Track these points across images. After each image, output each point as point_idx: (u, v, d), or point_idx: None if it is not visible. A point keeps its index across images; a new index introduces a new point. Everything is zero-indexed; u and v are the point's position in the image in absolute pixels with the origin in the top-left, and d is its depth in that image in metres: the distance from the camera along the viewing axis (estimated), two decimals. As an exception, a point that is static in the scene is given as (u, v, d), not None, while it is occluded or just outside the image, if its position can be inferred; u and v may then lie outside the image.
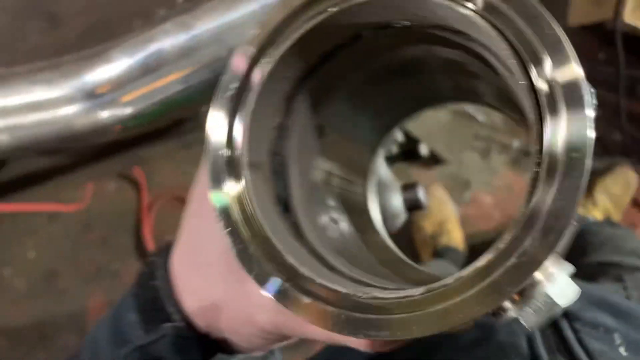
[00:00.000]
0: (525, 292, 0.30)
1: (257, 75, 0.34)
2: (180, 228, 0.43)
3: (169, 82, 0.86)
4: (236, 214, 0.33)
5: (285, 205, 0.38)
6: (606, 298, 0.62)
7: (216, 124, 0.35)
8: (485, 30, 0.30)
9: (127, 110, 0.87)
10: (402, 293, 0.28)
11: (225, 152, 0.35)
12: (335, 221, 0.45)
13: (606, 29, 1.65)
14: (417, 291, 0.28)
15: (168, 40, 0.83)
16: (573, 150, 0.26)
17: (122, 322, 0.44)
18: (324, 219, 0.44)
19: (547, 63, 0.28)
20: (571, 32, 1.85)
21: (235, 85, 0.35)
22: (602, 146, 1.81)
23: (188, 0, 0.82)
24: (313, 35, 0.35)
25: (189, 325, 0.42)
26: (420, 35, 0.38)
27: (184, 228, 0.42)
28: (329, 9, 0.34)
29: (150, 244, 1.81)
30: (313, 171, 0.44)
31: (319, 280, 0.30)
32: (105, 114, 0.86)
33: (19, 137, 0.87)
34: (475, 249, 1.70)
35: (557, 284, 0.30)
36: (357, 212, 0.49)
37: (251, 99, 0.34)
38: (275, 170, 0.38)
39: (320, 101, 0.42)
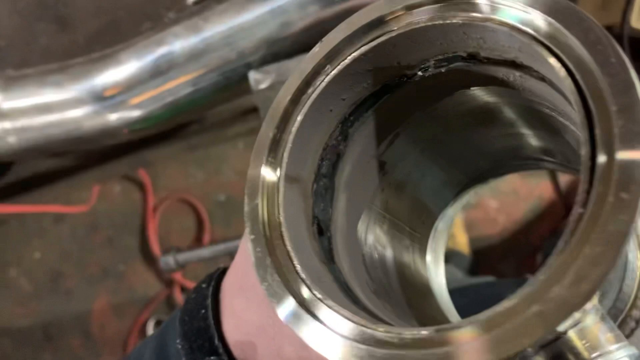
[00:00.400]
0: None
1: (311, 91, 0.34)
2: (237, 252, 0.44)
3: (178, 85, 0.86)
4: (263, 223, 0.33)
5: (320, 227, 0.37)
6: None
7: (266, 131, 0.35)
8: (545, 59, 0.28)
9: (136, 113, 0.87)
10: (415, 330, 0.26)
11: (267, 159, 0.34)
12: (379, 255, 0.43)
13: (613, 34, 1.64)
14: (428, 329, 0.26)
15: (178, 43, 0.83)
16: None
17: (168, 348, 0.44)
18: (367, 251, 0.42)
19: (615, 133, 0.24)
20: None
21: (289, 97, 0.35)
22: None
23: (198, 2, 0.82)
24: (372, 57, 0.34)
25: (231, 358, 0.42)
26: (486, 74, 0.36)
27: (239, 252, 0.43)
28: (390, 31, 0.33)
29: (155, 246, 1.81)
30: (367, 205, 0.43)
31: (329, 302, 0.29)
32: (113, 117, 0.87)
33: (28, 139, 0.88)
34: (480, 253, 1.70)
35: None
36: (406, 263, 0.47)
37: (301, 112, 0.34)
38: (318, 192, 0.37)
39: (381, 135, 0.41)
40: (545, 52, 0.27)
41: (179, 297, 1.78)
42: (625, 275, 0.38)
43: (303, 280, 0.31)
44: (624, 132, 0.23)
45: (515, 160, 0.48)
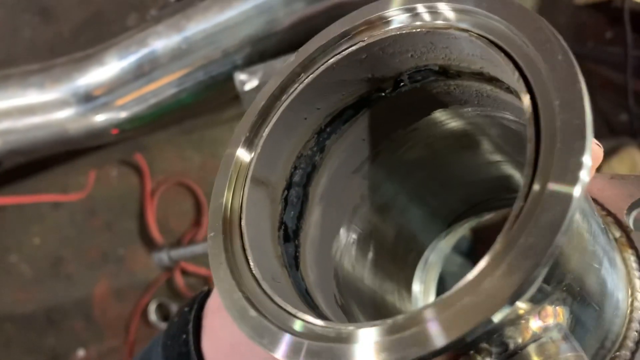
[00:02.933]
0: None
1: (284, 97, 0.35)
2: None
3: (163, 85, 0.84)
4: (224, 220, 0.33)
5: (287, 234, 0.37)
6: None
7: (238, 134, 0.36)
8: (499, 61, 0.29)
9: (122, 114, 0.86)
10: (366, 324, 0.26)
11: (238, 158, 0.35)
12: (354, 274, 0.42)
13: (614, 7, 1.60)
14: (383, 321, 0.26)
15: (160, 42, 0.81)
16: None
17: None
18: (340, 268, 0.42)
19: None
20: (577, 10, 1.80)
21: (263, 103, 0.36)
22: (608, 127, 1.79)
23: (180, -1, 0.80)
24: (344, 68, 0.35)
25: None
26: (460, 91, 0.37)
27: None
28: (361, 41, 0.34)
29: (154, 230, 1.81)
30: (346, 223, 0.42)
31: (275, 298, 0.29)
32: (100, 118, 0.85)
33: (12, 141, 0.87)
34: (478, 234, 1.69)
35: None
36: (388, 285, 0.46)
37: (274, 117, 0.35)
38: (289, 199, 0.38)
39: (361, 152, 0.41)
40: (500, 55, 0.29)
41: (180, 281, 1.79)
42: (614, 314, 0.37)
43: (254, 277, 0.31)
44: (565, 126, 0.24)
45: (509, 193, 0.46)
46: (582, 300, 0.32)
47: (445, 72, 0.35)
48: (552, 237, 0.22)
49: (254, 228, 0.33)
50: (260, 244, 0.33)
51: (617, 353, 0.37)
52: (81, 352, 1.79)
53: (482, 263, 0.24)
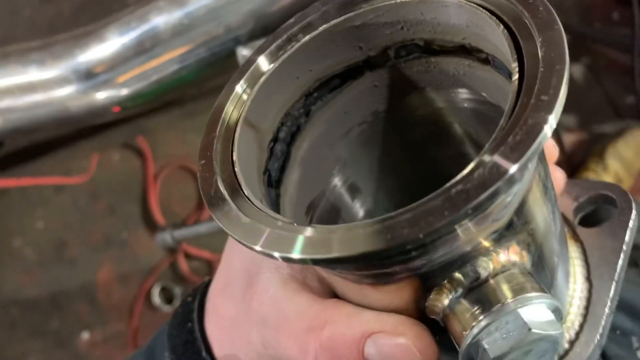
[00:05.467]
0: (493, 310, 0.30)
1: (281, 53, 0.38)
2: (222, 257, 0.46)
3: (165, 62, 0.83)
4: (215, 151, 0.35)
5: (270, 180, 0.39)
6: (623, 297, 0.60)
7: (234, 80, 0.38)
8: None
9: (124, 91, 0.85)
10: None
11: (233, 101, 0.37)
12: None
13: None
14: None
15: (162, 18, 0.80)
16: None
17: None
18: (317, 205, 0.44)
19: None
20: (586, -9, 1.78)
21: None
22: (614, 109, 1.77)
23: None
24: (338, 33, 0.38)
25: None
26: (439, 70, 0.40)
27: (221, 260, 0.45)
28: (358, 9, 0.37)
29: (157, 213, 1.81)
30: (320, 192, 0.44)
31: (260, 205, 0.32)
32: (101, 95, 0.84)
33: (12, 119, 0.86)
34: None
35: (533, 309, 0.30)
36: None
37: (270, 69, 0.38)
38: (274, 152, 0.39)
39: (340, 125, 0.43)
40: (486, 14, 0.32)
41: (183, 264, 1.80)
42: (561, 295, 0.40)
43: (242, 190, 0.33)
44: (546, 56, 0.28)
45: None
46: (540, 260, 0.34)
47: (428, 48, 0.38)
48: (535, 136, 0.25)
49: (243, 162, 0.35)
50: (248, 174, 0.35)
51: None
52: (85, 335, 1.79)
53: (477, 159, 0.26)
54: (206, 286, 0.47)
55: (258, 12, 0.78)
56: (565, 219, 0.46)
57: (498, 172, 0.25)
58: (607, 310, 0.40)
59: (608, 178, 1.66)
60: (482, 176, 0.25)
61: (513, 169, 0.25)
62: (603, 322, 0.40)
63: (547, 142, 0.26)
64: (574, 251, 0.43)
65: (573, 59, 1.88)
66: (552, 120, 0.26)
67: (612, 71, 1.75)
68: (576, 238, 0.44)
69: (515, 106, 0.27)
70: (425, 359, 0.32)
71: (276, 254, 0.28)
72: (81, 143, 1.83)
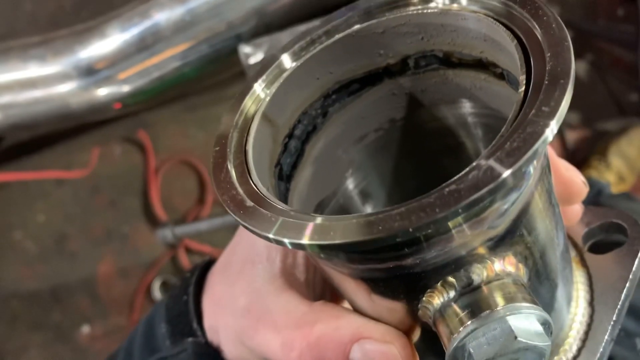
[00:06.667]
0: (481, 315, 0.30)
1: (304, 53, 0.39)
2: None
3: (166, 58, 0.82)
4: (230, 140, 0.36)
5: (281, 174, 0.39)
6: None
7: (254, 77, 0.39)
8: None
9: (125, 88, 0.84)
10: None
11: (258, 88, 0.39)
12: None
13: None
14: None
15: (163, 14, 0.79)
16: None
17: (154, 331, 0.49)
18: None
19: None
20: (590, -13, 1.77)
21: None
22: (618, 107, 1.76)
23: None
24: (361, 39, 0.39)
25: (210, 342, 0.45)
26: (455, 84, 0.40)
27: (231, 242, 0.47)
28: (382, 17, 0.38)
29: (158, 207, 1.81)
30: (331, 193, 0.44)
31: (265, 192, 0.33)
32: (102, 92, 0.84)
33: (13, 115, 0.85)
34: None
35: (522, 319, 0.30)
36: None
37: (292, 67, 0.39)
38: (288, 147, 0.40)
39: (356, 130, 0.44)
40: (501, 28, 0.33)
41: (184, 258, 1.79)
42: (559, 315, 0.40)
43: (251, 177, 0.34)
44: (553, 70, 0.29)
45: None
46: (538, 276, 0.35)
47: (447, 60, 0.39)
48: (532, 144, 0.26)
49: (257, 153, 0.36)
50: (259, 169, 0.36)
51: (555, 359, 0.40)
52: (86, 329, 1.80)
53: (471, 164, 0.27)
54: (206, 264, 0.50)
55: (260, 9, 0.77)
56: (574, 244, 0.46)
57: (491, 175, 0.26)
58: (607, 337, 0.40)
59: (610, 176, 1.66)
60: (475, 178, 0.26)
61: (506, 173, 0.25)
62: (601, 349, 0.40)
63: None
64: (579, 276, 0.44)
65: (577, 55, 1.87)
66: (550, 131, 0.27)
67: (616, 68, 1.74)
68: (583, 263, 0.44)
69: (518, 116, 0.28)
70: None
71: (262, 233, 0.29)
72: (82, 137, 1.83)
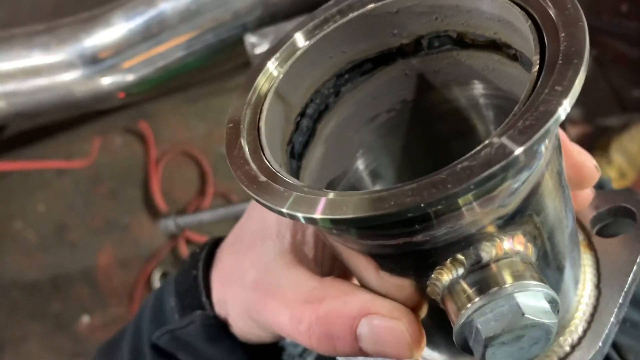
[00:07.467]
0: (490, 292, 0.30)
1: (318, 32, 0.39)
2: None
3: (171, 47, 0.82)
4: (243, 117, 0.36)
5: (293, 152, 0.40)
6: (635, 292, 0.61)
7: (268, 54, 0.39)
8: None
9: (130, 77, 0.84)
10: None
11: (272, 65, 0.39)
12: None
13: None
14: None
15: (169, 2, 0.79)
16: None
17: (164, 305, 0.50)
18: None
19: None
20: (595, -18, 1.76)
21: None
22: (620, 103, 1.76)
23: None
24: (375, 18, 0.39)
25: (218, 315, 0.46)
26: (469, 66, 0.40)
27: (241, 218, 0.47)
28: None
29: (159, 198, 1.81)
30: (341, 174, 0.44)
31: (277, 168, 0.33)
32: (106, 81, 0.83)
33: (17, 103, 0.85)
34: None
35: (529, 296, 0.31)
36: None
37: (305, 46, 0.39)
38: (300, 126, 0.40)
39: (367, 110, 0.43)
40: (516, 8, 0.33)
41: (184, 250, 1.80)
42: (566, 298, 0.40)
43: (264, 152, 0.34)
44: (566, 49, 0.29)
45: None
46: (546, 256, 0.35)
47: (460, 41, 0.39)
48: (544, 123, 0.26)
49: (269, 131, 0.36)
50: (271, 146, 0.36)
51: (561, 339, 0.40)
52: (86, 319, 1.80)
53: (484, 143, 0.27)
54: (215, 240, 0.51)
55: (267, -1, 0.77)
56: (582, 227, 0.46)
57: (504, 153, 0.26)
58: (612, 319, 0.40)
59: (612, 172, 1.66)
60: (488, 155, 0.26)
61: (518, 150, 0.26)
62: (607, 331, 0.40)
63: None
64: (587, 259, 0.44)
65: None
66: (562, 110, 0.27)
67: (619, 64, 1.74)
68: (591, 247, 0.45)
69: (531, 95, 0.28)
70: (414, 345, 0.34)
71: (276, 207, 0.30)
72: (83, 127, 1.82)
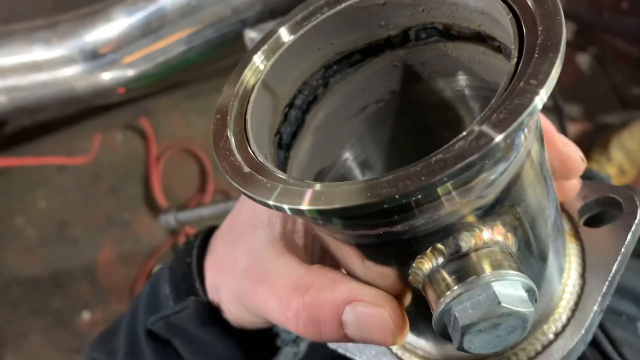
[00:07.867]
0: (467, 280, 0.31)
1: (305, 23, 0.39)
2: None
3: (172, 43, 0.82)
4: (231, 109, 0.37)
5: (280, 143, 0.40)
6: (628, 285, 0.61)
7: (256, 46, 0.40)
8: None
9: (130, 72, 0.84)
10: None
11: (252, 66, 0.39)
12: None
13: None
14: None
15: (169, -2, 0.79)
16: None
17: (158, 292, 0.51)
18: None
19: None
20: (595, -21, 1.76)
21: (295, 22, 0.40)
22: (620, 100, 1.76)
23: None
24: (362, 10, 0.39)
25: (211, 301, 0.47)
26: (454, 58, 0.41)
27: (231, 212, 0.48)
28: None
29: (159, 195, 1.81)
30: (331, 164, 0.45)
31: (264, 161, 0.33)
32: (106, 76, 0.84)
33: (17, 98, 0.85)
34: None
35: (507, 285, 0.31)
36: None
37: (293, 37, 0.39)
38: (289, 117, 0.41)
39: (356, 101, 0.44)
40: (498, 2, 0.33)
41: (184, 246, 1.80)
42: (549, 288, 0.40)
43: (249, 144, 0.35)
44: (543, 43, 0.29)
45: None
46: (528, 246, 0.35)
47: (447, 33, 0.40)
48: (517, 116, 0.26)
49: (256, 122, 0.37)
50: (258, 137, 0.36)
51: (545, 327, 0.41)
52: (86, 315, 1.80)
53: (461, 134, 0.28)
54: (209, 229, 0.52)
55: (266, -6, 0.77)
56: (569, 217, 0.46)
57: (477, 145, 0.26)
58: (596, 307, 0.41)
59: (612, 169, 1.66)
60: (461, 148, 0.26)
61: (492, 143, 0.26)
62: (590, 319, 0.40)
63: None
64: (572, 248, 0.44)
65: (580, 48, 1.87)
66: (537, 102, 0.27)
67: (619, 61, 1.74)
68: (577, 237, 0.45)
69: (508, 87, 0.29)
70: (397, 332, 0.35)
71: (260, 199, 0.30)
72: (84, 123, 1.83)
